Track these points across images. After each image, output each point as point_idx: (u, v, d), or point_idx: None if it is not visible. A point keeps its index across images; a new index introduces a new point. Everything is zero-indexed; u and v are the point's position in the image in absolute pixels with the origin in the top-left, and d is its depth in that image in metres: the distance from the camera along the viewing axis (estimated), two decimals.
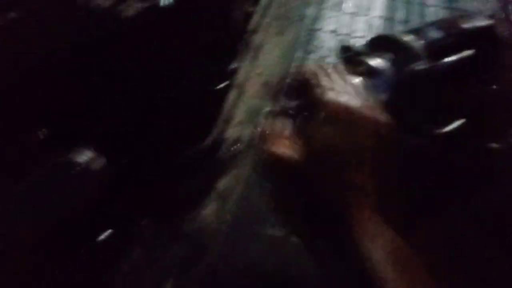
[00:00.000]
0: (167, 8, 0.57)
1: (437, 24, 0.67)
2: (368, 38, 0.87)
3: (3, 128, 0.51)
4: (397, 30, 0.66)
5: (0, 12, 0.60)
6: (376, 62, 0.63)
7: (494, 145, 0.66)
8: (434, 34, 0.63)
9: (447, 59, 0.56)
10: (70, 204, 0.49)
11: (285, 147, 0.29)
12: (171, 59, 0.66)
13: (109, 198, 0.53)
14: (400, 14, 0.93)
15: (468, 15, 0.69)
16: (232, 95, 0.76)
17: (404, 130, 0.62)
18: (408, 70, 0.59)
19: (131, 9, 0.57)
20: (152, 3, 0.57)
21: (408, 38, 0.63)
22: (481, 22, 0.68)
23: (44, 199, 0.48)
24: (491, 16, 0.92)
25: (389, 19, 0.92)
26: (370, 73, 0.63)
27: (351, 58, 0.70)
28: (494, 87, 0.70)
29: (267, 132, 0.33)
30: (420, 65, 0.58)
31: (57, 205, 0.48)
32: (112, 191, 0.56)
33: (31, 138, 0.55)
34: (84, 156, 0.50)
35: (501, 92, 0.68)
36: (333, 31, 0.90)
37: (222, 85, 0.78)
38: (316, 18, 0.93)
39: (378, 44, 0.66)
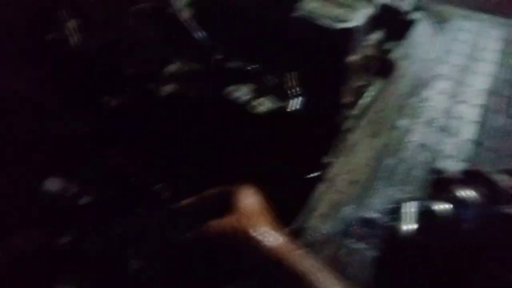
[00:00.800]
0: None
1: None
2: (458, 161, 0.93)
3: None
4: (491, 168, 0.71)
5: None
6: (466, 194, 0.68)
7: None
8: None
9: None
10: None
11: None
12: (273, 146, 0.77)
13: None
14: (489, 142, 0.97)
15: None
16: (320, 187, 0.84)
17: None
18: (496, 209, 0.64)
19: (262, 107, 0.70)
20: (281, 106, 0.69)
21: (501, 178, 0.68)
22: None
23: None
24: None
25: (478, 144, 0.97)
26: (458, 202, 0.69)
27: (440, 182, 0.76)
28: None
29: None
30: (509, 209, 0.63)
31: None
32: None
33: None
34: None
35: None
36: (422, 145, 0.96)
37: (312, 176, 0.87)
38: (408, 130, 1.01)
39: (471, 177, 0.72)
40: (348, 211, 0.82)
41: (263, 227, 0.44)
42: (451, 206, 0.65)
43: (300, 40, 0.76)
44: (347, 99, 0.86)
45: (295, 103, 0.69)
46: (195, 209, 0.51)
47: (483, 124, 1.03)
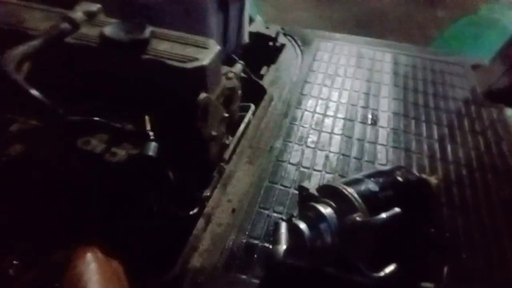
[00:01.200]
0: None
1: (375, 176, 0.80)
2: (328, 174, 1.00)
3: None
4: (342, 181, 0.78)
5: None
6: (323, 209, 0.73)
7: (427, 285, 0.74)
8: (373, 187, 0.75)
9: (382, 214, 0.67)
10: None
11: None
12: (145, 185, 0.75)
13: None
14: (354, 151, 1.07)
15: (404, 168, 0.83)
16: (200, 223, 0.84)
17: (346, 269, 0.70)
18: (348, 220, 0.69)
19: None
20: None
21: (350, 191, 0.74)
22: (415, 177, 0.81)
23: None
24: (430, 156, 1.08)
25: (344, 155, 1.06)
26: (318, 218, 0.73)
27: (306, 199, 0.81)
28: (432, 231, 0.80)
29: None
30: (359, 217, 0.69)
31: None
32: None
33: None
34: None
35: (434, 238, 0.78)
36: (296, 164, 1.02)
37: (192, 212, 0.86)
38: (283, 150, 1.06)
39: (327, 191, 0.78)
40: (230, 242, 0.83)
41: None
42: (312, 222, 0.70)
43: (151, 83, 0.76)
44: (216, 131, 0.88)
45: (152, 148, 0.68)
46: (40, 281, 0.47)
47: (348, 135, 1.13)
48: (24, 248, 0.65)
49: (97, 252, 0.46)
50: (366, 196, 0.72)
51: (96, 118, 0.68)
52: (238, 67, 1.02)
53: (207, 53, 0.78)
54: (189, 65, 0.75)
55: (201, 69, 0.75)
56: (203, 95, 0.74)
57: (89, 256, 0.45)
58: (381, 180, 0.76)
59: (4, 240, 0.66)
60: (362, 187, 0.74)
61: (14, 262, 0.63)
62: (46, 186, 0.70)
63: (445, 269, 0.77)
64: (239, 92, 1.01)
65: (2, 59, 0.65)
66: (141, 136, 0.70)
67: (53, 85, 0.66)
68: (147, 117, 0.72)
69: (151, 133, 0.70)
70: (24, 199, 0.68)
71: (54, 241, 0.63)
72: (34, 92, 0.66)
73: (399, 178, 0.77)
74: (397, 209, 0.67)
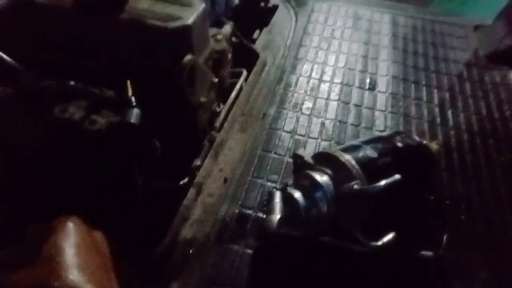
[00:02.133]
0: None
1: (374, 142, 0.76)
2: (324, 141, 0.95)
3: None
4: (340, 147, 0.74)
5: None
6: (318, 177, 0.69)
7: (427, 253, 0.72)
8: (371, 153, 0.71)
9: (380, 182, 0.63)
10: None
11: None
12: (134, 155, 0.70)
13: None
14: (351, 118, 1.03)
15: (404, 134, 0.78)
16: (191, 193, 0.80)
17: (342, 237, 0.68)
18: (345, 188, 0.66)
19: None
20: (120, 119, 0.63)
21: (347, 158, 0.70)
22: (415, 142, 0.77)
23: None
24: (430, 122, 1.04)
25: (341, 122, 1.02)
26: (313, 186, 0.70)
27: (301, 167, 0.77)
28: (431, 198, 0.77)
29: None
30: (356, 185, 0.65)
31: None
32: None
33: None
34: None
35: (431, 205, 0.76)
36: (291, 132, 0.98)
37: (182, 183, 0.82)
38: (277, 118, 1.02)
39: (323, 159, 0.73)
40: (222, 212, 0.80)
41: (78, 279, 0.36)
42: (307, 191, 0.67)
43: (131, 46, 0.70)
44: (205, 97, 0.83)
45: (135, 115, 0.63)
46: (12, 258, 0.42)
47: (345, 101, 1.08)
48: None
49: (79, 223, 0.42)
50: (364, 163, 0.68)
51: (72, 83, 0.62)
52: (227, 28, 0.95)
53: (191, 11, 0.71)
54: (172, 24, 0.68)
55: (185, 29, 0.69)
56: (188, 57, 0.68)
57: (70, 226, 0.40)
58: (379, 146, 0.72)
59: None
60: (360, 154, 0.70)
61: None
62: (20, 158, 0.66)
63: (445, 236, 0.75)
64: (229, 55, 0.95)
65: None
66: (122, 103, 0.65)
67: (21, 51, 0.60)
68: (128, 82, 0.67)
69: (133, 99, 0.65)
70: None
71: (30, 216, 0.59)
72: (2, 54, 0.60)
73: (399, 144, 0.73)
74: (397, 176, 0.63)
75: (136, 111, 0.63)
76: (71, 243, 0.38)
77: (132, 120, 0.62)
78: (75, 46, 0.70)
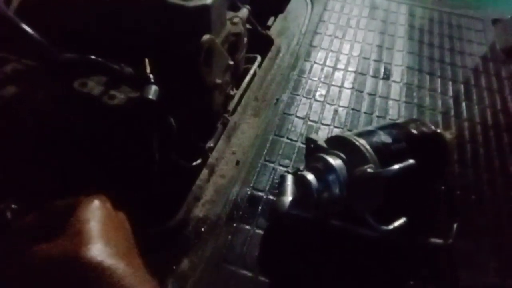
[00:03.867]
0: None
1: (389, 128, 0.76)
2: (336, 128, 0.96)
3: None
4: (354, 132, 0.74)
5: None
6: (332, 160, 0.70)
7: (436, 241, 0.72)
8: (385, 139, 0.71)
9: (393, 166, 0.63)
10: None
11: None
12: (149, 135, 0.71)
13: None
14: (364, 106, 1.03)
15: (419, 121, 0.78)
16: (203, 174, 0.81)
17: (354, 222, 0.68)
18: (359, 171, 0.66)
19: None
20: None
21: (361, 142, 0.71)
22: (430, 130, 0.77)
23: None
24: (444, 113, 1.03)
25: (354, 109, 1.02)
26: (326, 169, 0.70)
27: (314, 151, 0.78)
28: (442, 187, 0.77)
29: None
30: (370, 168, 0.66)
31: None
32: None
33: None
34: None
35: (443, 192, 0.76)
36: (303, 117, 0.98)
37: (195, 163, 0.83)
38: (290, 104, 1.02)
39: (336, 143, 0.74)
40: (234, 194, 0.81)
41: (104, 250, 0.34)
42: (320, 173, 0.67)
43: (149, 25, 0.71)
44: (220, 79, 0.83)
45: (153, 91, 0.64)
46: (36, 229, 0.43)
47: (359, 89, 1.08)
48: (21, 194, 0.63)
49: (105, 200, 0.42)
50: (378, 148, 0.68)
51: (93, 57, 0.63)
52: (244, 11, 0.95)
53: None
54: (192, 3, 0.69)
55: (205, 8, 0.69)
56: (206, 37, 0.68)
57: (96, 203, 0.40)
58: (394, 132, 0.72)
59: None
60: (374, 139, 0.70)
61: (12, 205, 0.61)
62: (41, 131, 0.67)
63: (455, 225, 0.75)
64: (245, 39, 0.95)
65: None
66: (141, 79, 0.66)
67: (43, 26, 0.61)
68: (147, 60, 0.68)
69: (151, 76, 0.65)
70: (17, 145, 0.65)
71: (53, 189, 0.61)
72: (25, 27, 0.61)
73: (413, 131, 0.73)
74: (411, 161, 0.63)
75: (154, 88, 0.64)
76: (97, 218, 0.38)
77: (151, 96, 0.63)
78: (95, 23, 0.71)
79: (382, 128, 0.73)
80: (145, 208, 0.69)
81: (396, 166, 0.62)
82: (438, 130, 0.78)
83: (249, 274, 0.68)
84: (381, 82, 1.11)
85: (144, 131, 0.66)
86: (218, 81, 0.82)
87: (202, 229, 0.74)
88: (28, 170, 0.67)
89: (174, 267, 0.67)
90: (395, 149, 0.69)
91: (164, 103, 0.66)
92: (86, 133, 0.67)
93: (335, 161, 0.67)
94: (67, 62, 0.62)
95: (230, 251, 0.71)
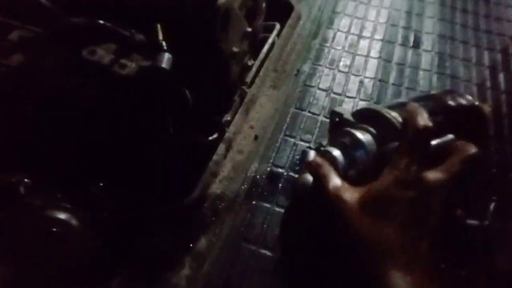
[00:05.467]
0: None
1: (423, 99, 0.69)
2: (361, 100, 0.89)
3: None
4: (384, 104, 0.68)
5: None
6: (360, 135, 0.64)
7: (472, 221, 0.66)
8: None
9: (432, 141, 0.57)
10: None
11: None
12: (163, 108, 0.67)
13: None
14: (392, 77, 0.95)
15: (456, 93, 0.71)
16: (220, 149, 0.77)
17: None
18: (390, 148, 0.60)
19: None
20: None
21: (393, 115, 0.64)
22: (467, 101, 0.70)
23: None
24: (479, 85, 0.95)
25: (381, 81, 0.95)
26: (353, 144, 0.64)
27: (339, 125, 0.72)
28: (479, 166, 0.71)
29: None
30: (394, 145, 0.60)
31: None
32: None
33: None
34: None
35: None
36: (326, 90, 0.92)
37: (211, 138, 0.79)
38: (312, 75, 0.96)
39: (365, 116, 0.68)
40: (253, 170, 0.76)
41: None
42: (346, 149, 0.62)
43: None
44: (238, 47, 0.77)
45: (166, 60, 0.59)
46: None
47: (386, 59, 1.01)
48: (34, 170, 0.60)
49: None
50: None
51: (102, 22, 0.58)
52: None
53: None
54: None
55: None
56: (223, 0, 0.62)
57: None
58: (430, 103, 0.66)
59: (11, 157, 0.61)
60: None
61: (26, 180, 0.58)
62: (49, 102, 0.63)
63: (491, 205, 0.69)
64: (263, 5, 0.88)
65: None
66: (152, 47, 0.61)
67: None
68: (158, 26, 0.62)
69: (163, 43, 0.60)
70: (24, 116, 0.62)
71: (63, 165, 0.58)
72: None
73: (451, 103, 0.67)
74: (450, 136, 0.57)
75: (167, 56, 0.59)
76: None
77: (163, 65, 0.58)
78: None
79: (416, 99, 0.67)
80: (159, 185, 0.66)
81: (434, 142, 0.56)
82: (477, 103, 0.71)
83: (269, 253, 0.65)
84: (410, 51, 1.03)
85: (157, 103, 0.62)
86: (235, 49, 0.76)
87: (220, 207, 0.70)
88: (37, 144, 0.65)
89: (191, 245, 0.65)
90: (432, 122, 0.63)
91: (178, 72, 0.62)
92: (95, 104, 0.63)
93: (363, 136, 0.62)
94: (75, 27, 0.57)
95: (250, 230, 0.68)
